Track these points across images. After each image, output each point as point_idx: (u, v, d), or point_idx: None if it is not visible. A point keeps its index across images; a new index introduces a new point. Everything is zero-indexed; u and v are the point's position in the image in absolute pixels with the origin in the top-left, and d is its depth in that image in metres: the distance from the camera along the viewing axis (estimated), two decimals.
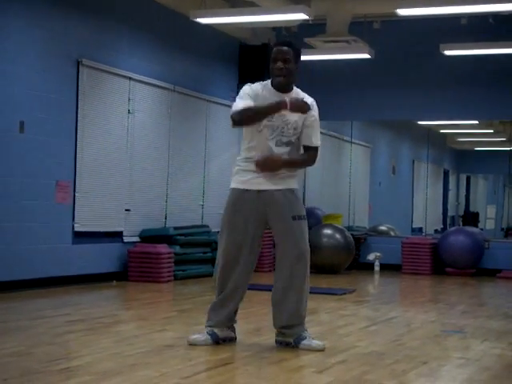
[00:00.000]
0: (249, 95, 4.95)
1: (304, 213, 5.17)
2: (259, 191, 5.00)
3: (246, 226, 5.01)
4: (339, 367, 4.53)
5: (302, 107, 4.92)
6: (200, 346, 4.99)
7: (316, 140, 5.08)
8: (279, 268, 5.15)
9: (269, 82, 5.08)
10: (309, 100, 5.07)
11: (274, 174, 4.96)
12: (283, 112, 4.91)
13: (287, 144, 5.01)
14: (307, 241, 5.19)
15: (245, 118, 4.91)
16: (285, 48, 5.01)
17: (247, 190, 5.03)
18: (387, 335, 5.92)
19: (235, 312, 5.16)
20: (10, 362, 4.39)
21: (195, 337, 5.05)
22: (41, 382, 3.96)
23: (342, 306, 7.68)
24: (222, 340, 5.05)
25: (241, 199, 5.04)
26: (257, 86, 5.04)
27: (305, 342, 4.99)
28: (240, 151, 5.15)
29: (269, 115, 4.91)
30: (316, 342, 5.02)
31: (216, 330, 5.05)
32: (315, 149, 5.08)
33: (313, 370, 4.41)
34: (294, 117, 4.98)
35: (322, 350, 4.96)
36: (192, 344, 5.00)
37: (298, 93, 5.11)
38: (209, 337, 5.01)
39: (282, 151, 4.97)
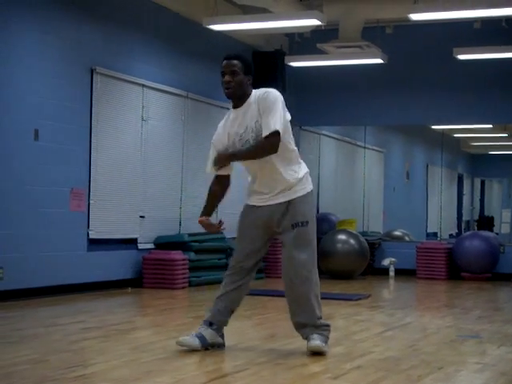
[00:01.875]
0: (214, 147, 5.25)
1: (307, 218, 5.10)
2: (264, 206, 5.08)
3: (253, 236, 5.13)
4: (355, 373, 4.52)
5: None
6: (215, 353, 4.99)
7: (271, 125, 4.85)
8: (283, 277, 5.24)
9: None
10: (262, 91, 4.97)
11: (274, 193, 5.05)
12: (243, 124, 4.98)
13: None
14: (310, 246, 5.21)
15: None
16: (231, 61, 4.99)
17: (254, 205, 5.14)
18: (403, 340, 5.90)
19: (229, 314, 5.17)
20: (25, 370, 4.40)
21: (183, 338, 5.06)
22: None
23: (357, 312, 7.66)
24: (211, 346, 5.02)
25: (249, 213, 5.16)
26: (220, 123, 5.21)
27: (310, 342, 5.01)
28: None
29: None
30: (315, 343, 4.98)
31: (205, 333, 5.02)
32: (272, 134, 4.85)
33: (328, 376, 4.40)
34: (248, 121, 4.96)
35: (321, 351, 4.96)
36: (179, 344, 5.01)
37: (254, 95, 4.98)
38: (197, 340, 4.98)
39: (266, 161, 5.01)
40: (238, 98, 4.98)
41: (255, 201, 5.13)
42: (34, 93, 8.06)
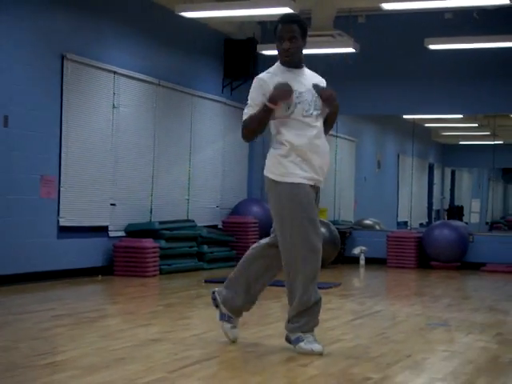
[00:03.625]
0: (254, 100, 4.71)
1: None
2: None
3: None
4: (325, 361, 4.54)
5: (285, 94, 4.59)
6: (186, 340, 5.00)
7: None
8: None
9: (278, 63, 4.86)
10: (319, 79, 4.91)
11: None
12: (306, 84, 4.75)
13: (318, 119, 4.78)
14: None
15: (247, 135, 4.76)
16: (290, 25, 4.71)
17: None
18: (372, 329, 5.94)
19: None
20: None
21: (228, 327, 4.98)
22: (26, 377, 3.96)
23: (328, 300, 7.67)
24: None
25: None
26: (264, 76, 4.77)
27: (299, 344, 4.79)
28: (275, 144, 4.78)
29: (267, 114, 4.61)
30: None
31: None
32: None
33: (298, 364, 4.42)
34: (308, 84, 4.76)
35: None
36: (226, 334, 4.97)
37: (310, 73, 4.89)
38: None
39: (319, 125, 4.78)
40: (296, 63, 4.79)
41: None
42: (3, 79, 7.98)
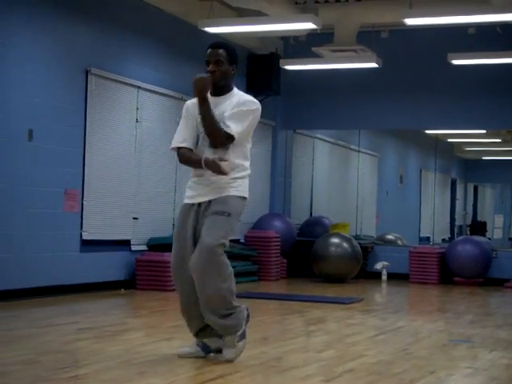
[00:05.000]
0: (185, 123, 4.88)
1: (229, 210, 4.73)
2: (199, 203, 4.81)
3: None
4: (347, 376, 4.53)
5: (215, 168, 4.65)
6: (208, 355, 5.00)
7: (232, 127, 4.71)
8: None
9: None
10: (247, 98, 4.84)
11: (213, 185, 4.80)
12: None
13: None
14: (215, 235, 4.64)
15: (183, 163, 4.94)
16: (216, 50, 4.84)
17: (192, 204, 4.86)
18: (395, 344, 5.92)
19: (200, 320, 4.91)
20: (19, 370, 4.40)
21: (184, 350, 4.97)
22: None
23: (350, 315, 7.67)
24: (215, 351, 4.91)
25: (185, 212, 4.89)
26: (192, 101, 4.89)
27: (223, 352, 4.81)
28: None
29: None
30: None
31: (206, 341, 4.92)
32: (229, 134, 4.71)
33: (321, 379, 4.41)
34: (218, 111, 4.73)
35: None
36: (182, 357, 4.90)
37: (238, 95, 4.86)
38: (199, 348, 4.92)
39: (216, 152, 4.74)
40: (220, 88, 4.82)
41: None
42: (28, 93, 8.05)
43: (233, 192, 4.79)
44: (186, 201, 4.89)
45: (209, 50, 4.86)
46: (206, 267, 4.61)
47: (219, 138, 4.71)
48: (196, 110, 4.80)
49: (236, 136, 4.73)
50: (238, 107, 4.77)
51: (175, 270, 4.89)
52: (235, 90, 4.91)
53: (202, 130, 4.79)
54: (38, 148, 8.15)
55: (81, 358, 5.06)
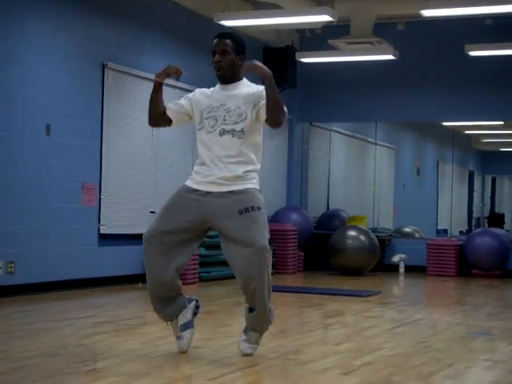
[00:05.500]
0: (184, 99, 4.86)
1: (258, 204, 4.58)
2: (208, 192, 4.66)
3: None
4: (365, 369, 4.52)
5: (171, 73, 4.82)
6: (226, 348, 5.01)
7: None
8: (235, 271, 4.67)
9: None
10: (259, 87, 4.70)
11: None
12: (224, 100, 4.67)
13: (232, 133, 4.63)
14: (264, 234, 4.54)
15: (148, 113, 4.94)
16: (222, 40, 4.72)
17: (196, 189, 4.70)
18: (413, 337, 5.90)
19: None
20: (38, 363, 4.42)
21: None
22: (69, 383, 3.99)
23: (367, 308, 7.66)
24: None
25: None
26: (205, 91, 4.84)
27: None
28: None
29: (154, 93, 4.86)
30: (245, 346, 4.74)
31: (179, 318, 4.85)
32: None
33: (339, 372, 4.41)
34: (236, 103, 4.66)
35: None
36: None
37: (248, 84, 4.77)
38: (187, 329, 4.86)
39: (227, 142, 4.63)
40: (227, 78, 4.73)
41: None
42: (45, 88, 8.08)
43: (251, 185, 4.66)
44: (192, 185, 4.71)
45: (215, 40, 4.76)
46: (264, 267, 4.48)
47: (282, 115, 4.64)
48: (202, 95, 4.77)
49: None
50: (262, 98, 4.64)
51: (151, 244, 4.76)
52: (245, 79, 4.81)
53: (207, 115, 4.70)
54: (56, 142, 8.18)
55: (99, 351, 5.08)
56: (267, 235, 4.57)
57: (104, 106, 8.85)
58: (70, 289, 8.23)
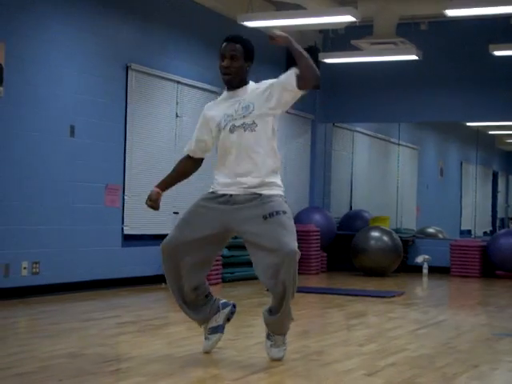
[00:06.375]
0: (197, 134, 4.78)
1: (284, 209, 4.45)
2: (231, 195, 4.56)
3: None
4: (389, 370, 4.51)
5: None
6: (250, 348, 5.02)
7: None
8: (263, 275, 4.48)
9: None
10: (262, 85, 4.64)
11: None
12: (235, 104, 4.57)
13: (243, 127, 4.50)
14: (293, 238, 4.41)
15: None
16: (233, 44, 4.63)
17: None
18: (437, 338, 5.88)
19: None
20: (63, 363, 4.45)
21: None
22: (94, 383, 4.02)
23: (391, 309, 7.64)
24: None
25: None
26: (207, 106, 4.83)
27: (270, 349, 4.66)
28: None
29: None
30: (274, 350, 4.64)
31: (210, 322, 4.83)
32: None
33: (363, 373, 4.40)
34: (239, 103, 4.56)
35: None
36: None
37: (254, 85, 4.68)
38: (215, 333, 4.82)
39: (240, 138, 4.49)
40: (235, 84, 4.63)
41: None
42: (69, 89, 8.13)
43: (275, 191, 4.51)
44: (214, 190, 4.64)
45: (224, 44, 4.66)
46: (292, 271, 4.36)
47: (316, 71, 4.55)
48: (215, 110, 4.66)
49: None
50: (272, 82, 4.61)
51: (170, 257, 4.62)
52: (251, 82, 4.70)
53: (223, 123, 4.54)
54: (80, 144, 8.23)
55: (123, 351, 5.11)
56: (296, 238, 4.44)
57: (128, 107, 8.90)
58: (94, 289, 8.27)
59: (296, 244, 4.40)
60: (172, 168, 5.00)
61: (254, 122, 4.50)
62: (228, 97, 4.67)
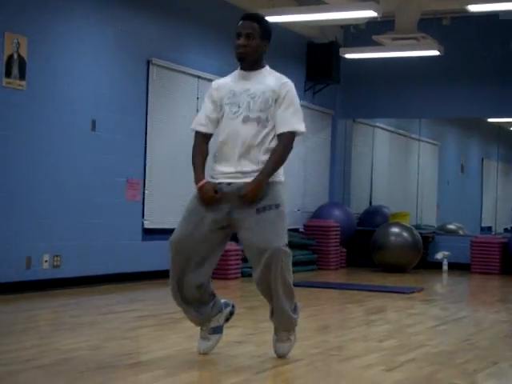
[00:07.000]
0: (205, 107, 4.54)
1: (276, 201, 4.33)
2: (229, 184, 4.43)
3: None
4: (409, 366, 4.51)
5: (208, 200, 4.42)
6: (269, 343, 5.02)
7: (293, 123, 4.36)
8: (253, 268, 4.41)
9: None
10: (283, 80, 4.42)
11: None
12: (247, 86, 4.39)
13: (257, 121, 4.35)
14: (279, 234, 4.29)
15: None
16: (250, 22, 4.41)
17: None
18: (457, 335, 5.87)
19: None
20: (84, 356, 4.49)
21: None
22: (114, 375, 4.04)
23: (410, 305, 7.63)
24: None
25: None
26: (223, 80, 4.57)
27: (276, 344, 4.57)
28: None
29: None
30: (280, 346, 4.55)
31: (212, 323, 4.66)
32: (291, 133, 4.36)
33: (382, 368, 4.40)
34: (260, 88, 4.37)
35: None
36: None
37: (270, 74, 4.46)
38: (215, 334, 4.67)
39: (250, 130, 4.35)
40: (249, 63, 4.43)
41: None
42: (91, 84, 8.17)
43: (273, 177, 4.37)
44: (213, 180, 4.54)
45: (240, 22, 4.45)
46: (279, 273, 4.27)
47: (289, 149, 4.39)
48: (226, 90, 4.44)
49: (299, 131, 4.39)
50: (283, 94, 4.35)
51: (179, 249, 4.49)
52: (267, 67, 4.51)
53: (228, 101, 4.41)
54: (101, 138, 8.27)
55: (143, 344, 5.14)
56: (284, 236, 4.31)
57: (148, 101, 8.93)
58: (114, 282, 8.32)
59: (283, 241, 4.27)
60: (193, 156, 4.71)
61: (267, 119, 4.36)
62: (241, 77, 4.48)
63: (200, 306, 4.57)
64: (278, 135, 4.36)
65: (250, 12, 4.61)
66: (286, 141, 4.35)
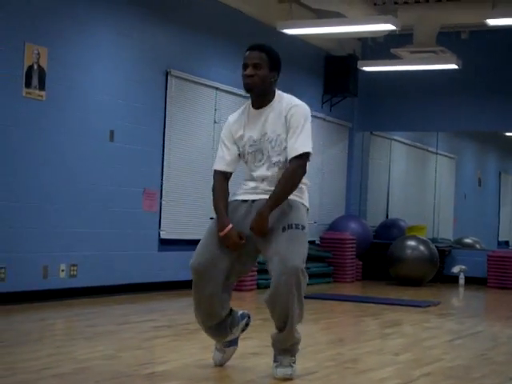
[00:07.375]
0: (224, 143, 4.42)
1: (303, 223, 4.26)
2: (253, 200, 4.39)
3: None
4: (425, 380, 4.50)
5: (233, 246, 4.28)
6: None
7: (299, 146, 4.26)
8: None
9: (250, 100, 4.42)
10: (292, 104, 4.34)
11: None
12: (263, 129, 4.30)
13: (278, 165, 4.30)
14: (300, 255, 4.18)
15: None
16: (256, 52, 4.31)
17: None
18: (473, 349, 5.84)
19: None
20: (100, 365, 4.50)
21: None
22: None
23: (426, 319, 7.60)
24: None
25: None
26: (234, 117, 4.46)
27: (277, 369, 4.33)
28: None
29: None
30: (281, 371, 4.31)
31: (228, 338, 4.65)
32: (300, 156, 4.27)
33: (398, 382, 4.39)
34: (274, 129, 4.29)
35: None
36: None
37: (280, 101, 4.36)
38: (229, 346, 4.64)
39: (274, 174, 4.30)
40: (258, 95, 4.31)
41: None
42: (110, 94, 8.22)
43: (299, 199, 4.35)
44: (238, 197, 4.45)
45: (247, 52, 4.34)
46: (294, 291, 4.14)
47: (300, 172, 4.30)
48: (238, 126, 4.37)
49: (308, 150, 4.30)
50: (290, 123, 4.28)
51: (203, 274, 4.54)
52: (277, 94, 4.40)
53: (250, 149, 4.34)
54: (119, 148, 8.31)
55: (159, 355, 5.15)
56: (304, 258, 4.20)
57: (167, 112, 8.97)
58: (130, 293, 8.34)
59: (303, 264, 4.17)
60: (215, 199, 4.46)
61: (286, 160, 4.28)
62: (254, 117, 4.35)
63: (220, 325, 4.54)
64: (289, 162, 4.29)
65: (258, 42, 4.52)
66: (292, 166, 4.26)
